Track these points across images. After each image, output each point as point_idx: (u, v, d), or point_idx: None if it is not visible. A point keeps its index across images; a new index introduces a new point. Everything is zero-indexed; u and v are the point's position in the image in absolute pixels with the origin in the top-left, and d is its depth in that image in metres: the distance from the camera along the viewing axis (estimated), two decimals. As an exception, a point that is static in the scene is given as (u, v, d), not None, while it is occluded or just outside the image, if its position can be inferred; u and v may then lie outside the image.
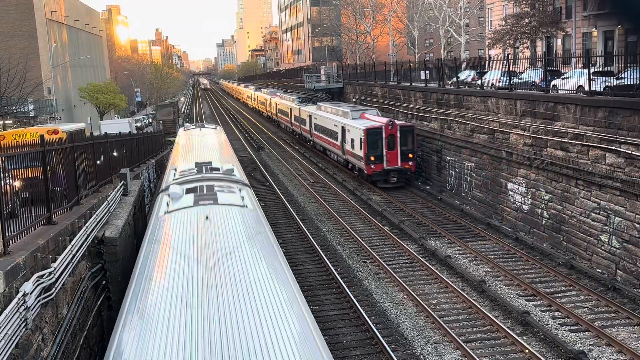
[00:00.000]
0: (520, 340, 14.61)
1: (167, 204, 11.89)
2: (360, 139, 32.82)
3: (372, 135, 32.17)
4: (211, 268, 7.89)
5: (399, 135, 32.21)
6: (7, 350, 7.52)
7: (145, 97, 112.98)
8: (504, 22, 42.90)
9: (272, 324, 6.45)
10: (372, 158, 32.29)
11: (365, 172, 33.10)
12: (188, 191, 12.44)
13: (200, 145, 23.23)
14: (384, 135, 32.11)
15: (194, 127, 32.11)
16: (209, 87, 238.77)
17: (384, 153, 32.21)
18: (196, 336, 6.20)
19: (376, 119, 34.39)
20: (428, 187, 32.61)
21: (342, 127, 36.46)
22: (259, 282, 7.46)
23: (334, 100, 51.39)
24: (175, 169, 16.61)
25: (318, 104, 46.52)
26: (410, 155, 32.50)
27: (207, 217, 10.22)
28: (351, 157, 35.37)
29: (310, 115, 46.07)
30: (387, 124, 32.37)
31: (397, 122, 33.15)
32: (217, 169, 15.76)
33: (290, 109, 55.63)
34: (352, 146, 34.53)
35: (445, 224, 25.77)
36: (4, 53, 48.67)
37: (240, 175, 16.06)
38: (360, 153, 33.06)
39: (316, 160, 44.11)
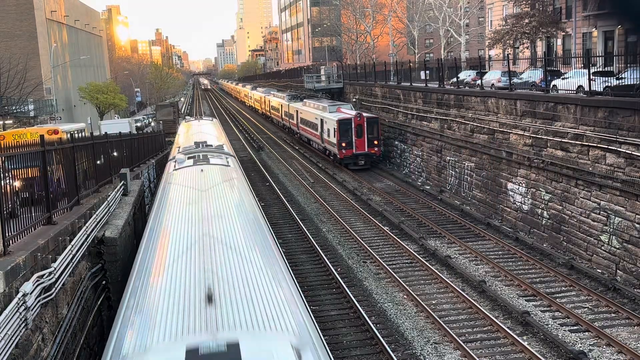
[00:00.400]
0: (520, 340, 14.61)
1: (174, 166, 16.13)
2: (334, 128, 38.38)
3: (343, 125, 37.83)
4: (204, 191, 12.18)
5: (366, 125, 37.76)
6: (7, 350, 7.52)
7: (145, 97, 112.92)
8: (504, 22, 42.92)
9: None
10: (344, 144, 38.10)
11: (338, 156, 38.79)
12: (189, 158, 16.61)
13: (199, 131, 27.93)
14: (353, 125, 37.68)
15: (194, 119, 38.60)
16: (209, 87, 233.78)
17: (354, 140, 37.95)
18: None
19: (348, 112, 39.58)
20: (428, 187, 32.64)
21: (321, 119, 42.32)
22: (235, 209, 11.12)
23: (333, 99, 52.13)
24: (180, 147, 22.07)
25: (303, 100, 51.67)
26: (376, 142, 38.22)
27: (201, 170, 14.44)
28: (328, 144, 41.30)
29: (297, 111, 52.03)
30: (355, 116, 37.98)
31: (364, 114, 38.73)
32: (211, 145, 20.20)
33: (281, 105, 61.97)
34: (328, 135, 40.50)
35: (445, 224, 25.76)
36: (4, 53, 48.60)
37: (227, 149, 20.58)
38: (334, 140, 38.82)
39: (316, 160, 44.14)
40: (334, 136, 38.59)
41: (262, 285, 7.21)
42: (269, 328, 6.10)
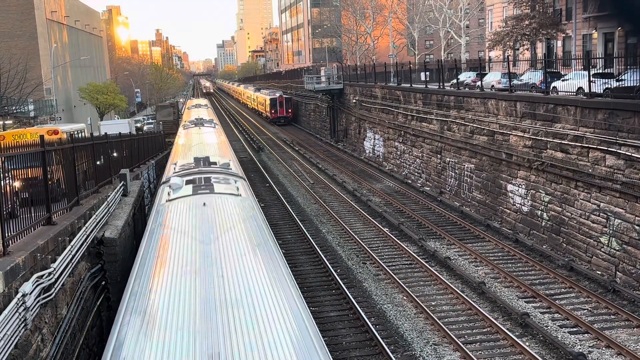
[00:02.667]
0: (519, 342, 14.60)
1: (183, 127, 19.58)
2: (269, 103, 74.78)
3: (272, 101, 74.25)
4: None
5: (284, 101, 73.93)
6: (7, 351, 7.52)
7: (145, 97, 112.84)
8: (504, 24, 42.90)
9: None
10: (273, 111, 73.88)
11: (270, 117, 74.49)
12: (193, 120, 19.99)
13: (198, 104, 41.70)
14: (277, 102, 73.81)
15: (194, 99, 63.63)
16: (211, 90, 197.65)
17: (278, 109, 73.71)
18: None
19: (277, 95, 74.84)
20: (428, 189, 32.64)
21: (264, 99, 79.82)
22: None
23: (334, 101, 54.18)
24: (187, 106, 31.40)
25: (260, 90, 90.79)
26: (290, 110, 74.09)
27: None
28: (267, 112, 76.56)
29: (256, 96, 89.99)
30: (279, 97, 74.03)
31: (284, 95, 74.57)
32: (204, 105, 29.49)
33: (251, 95, 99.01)
34: (267, 107, 76.02)
35: (445, 225, 25.76)
36: (4, 53, 48.60)
37: (212, 119, 25.78)
38: (269, 109, 74.61)
39: (316, 161, 44.25)
40: (269, 107, 74.51)
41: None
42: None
